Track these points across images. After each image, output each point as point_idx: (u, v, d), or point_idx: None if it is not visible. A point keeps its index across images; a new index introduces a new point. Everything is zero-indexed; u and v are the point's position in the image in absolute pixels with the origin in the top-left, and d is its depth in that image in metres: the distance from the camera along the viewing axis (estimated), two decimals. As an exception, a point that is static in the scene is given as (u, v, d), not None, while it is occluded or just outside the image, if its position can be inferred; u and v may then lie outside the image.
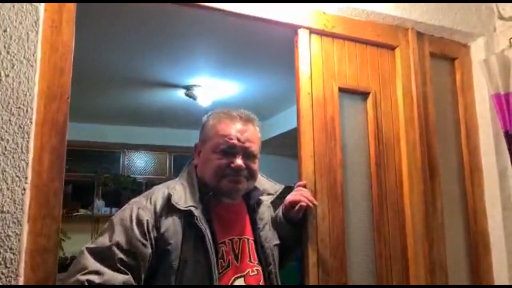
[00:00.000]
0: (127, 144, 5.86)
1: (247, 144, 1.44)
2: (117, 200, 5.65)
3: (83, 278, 1.17)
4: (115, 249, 1.24)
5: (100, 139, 5.60)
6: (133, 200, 1.40)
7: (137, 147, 6.01)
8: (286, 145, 5.05)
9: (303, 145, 1.68)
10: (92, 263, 1.20)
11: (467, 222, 1.92)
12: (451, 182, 1.93)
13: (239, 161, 1.41)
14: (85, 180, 5.61)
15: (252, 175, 1.47)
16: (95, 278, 1.17)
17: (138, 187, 5.80)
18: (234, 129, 1.43)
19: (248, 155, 1.44)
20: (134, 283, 1.23)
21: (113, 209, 5.58)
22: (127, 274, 1.22)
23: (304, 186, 1.63)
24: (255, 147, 1.47)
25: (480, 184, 1.95)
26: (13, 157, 1.17)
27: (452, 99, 2.05)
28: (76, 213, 5.12)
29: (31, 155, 1.20)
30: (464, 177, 1.96)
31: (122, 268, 1.22)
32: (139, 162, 6.16)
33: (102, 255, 1.23)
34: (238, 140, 1.42)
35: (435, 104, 1.94)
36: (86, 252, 1.23)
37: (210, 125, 1.48)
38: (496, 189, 1.93)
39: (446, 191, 1.89)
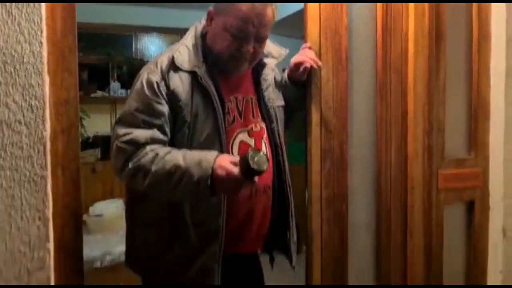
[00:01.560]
0: (139, 26, 5.76)
1: (261, 30, 1.43)
2: (132, 82, 5.71)
3: (117, 142, 1.38)
4: (135, 113, 1.40)
5: (112, 21, 5.50)
6: (143, 67, 1.51)
7: (149, 30, 5.92)
8: (301, 26, 4.91)
9: (308, 7, 1.69)
10: (121, 129, 1.40)
11: (470, 89, 1.95)
12: (458, 49, 1.92)
13: (249, 48, 1.43)
14: (99, 64, 5.62)
15: (255, 57, 1.50)
16: (125, 138, 1.37)
17: (152, 71, 5.81)
18: (252, 12, 1.39)
19: (259, 39, 1.45)
20: (160, 136, 1.40)
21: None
22: (151, 130, 1.39)
23: (309, 48, 1.67)
24: (267, 31, 1.46)
25: (486, 51, 1.94)
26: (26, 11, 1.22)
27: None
28: (94, 95, 5.25)
29: (43, 10, 1.25)
30: (471, 44, 1.95)
31: (146, 126, 1.38)
32: (152, 47, 6.12)
33: (127, 121, 1.41)
34: (253, 25, 1.40)
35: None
36: (115, 124, 1.44)
37: None
38: (503, 58, 1.94)
39: (452, 58, 1.90)
